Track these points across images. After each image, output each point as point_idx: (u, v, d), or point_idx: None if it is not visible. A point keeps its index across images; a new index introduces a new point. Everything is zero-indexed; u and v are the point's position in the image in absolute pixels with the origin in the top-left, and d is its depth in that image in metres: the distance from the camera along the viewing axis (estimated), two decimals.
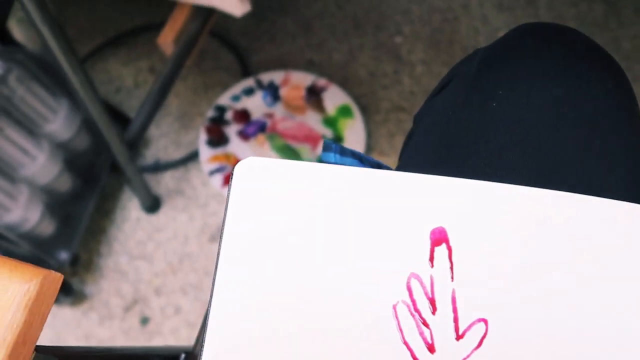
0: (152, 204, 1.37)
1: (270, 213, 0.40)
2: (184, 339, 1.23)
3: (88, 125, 1.27)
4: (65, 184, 1.22)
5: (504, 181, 0.40)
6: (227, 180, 1.36)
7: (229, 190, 0.41)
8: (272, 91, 1.49)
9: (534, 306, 0.37)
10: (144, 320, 1.25)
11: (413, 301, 0.37)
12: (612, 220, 0.39)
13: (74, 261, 1.27)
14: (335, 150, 0.52)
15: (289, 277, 0.38)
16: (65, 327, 1.27)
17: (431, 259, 0.38)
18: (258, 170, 0.41)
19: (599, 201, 0.39)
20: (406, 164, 0.58)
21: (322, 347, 0.37)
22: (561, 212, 0.39)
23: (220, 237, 0.39)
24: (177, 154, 1.46)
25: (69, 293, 1.25)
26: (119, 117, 1.42)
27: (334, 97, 1.46)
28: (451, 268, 0.38)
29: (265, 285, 0.38)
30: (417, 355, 0.36)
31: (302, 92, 1.48)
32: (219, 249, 0.39)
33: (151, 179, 1.42)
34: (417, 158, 0.56)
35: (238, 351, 0.37)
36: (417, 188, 0.40)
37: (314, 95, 1.48)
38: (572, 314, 0.37)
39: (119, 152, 1.21)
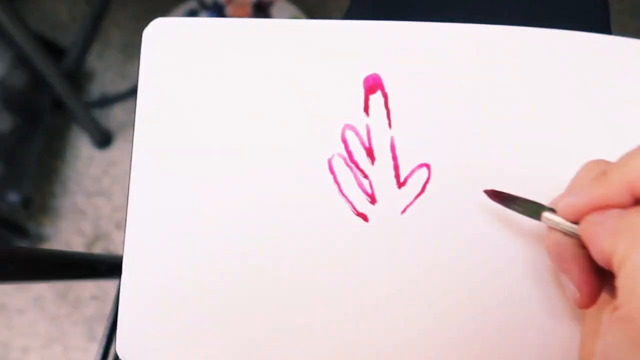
0: (103, 139, 1.31)
1: (188, 74, 0.36)
2: None
3: (22, 61, 1.19)
4: (5, 123, 1.16)
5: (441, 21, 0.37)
6: None
7: (138, 64, 0.37)
8: (217, 11, 1.42)
9: (475, 145, 0.35)
10: None
11: (349, 153, 0.35)
12: (544, 48, 0.36)
13: (27, 203, 1.22)
14: None
15: (213, 143, 0.35)
16: None
17: (366, 107, 0.35)
18: (170, 31, 0.37)
19: (533, 31, 0.37)
20: None
21: (253, 211, 0.34)
22: (499, 46, 0.36)
23: (134, 124, 0.36)
24: (124, 86, 1.39)
25: (27, 236, 1.20)
26: (56, 52, 1.34)
27: (282, 11, 1.40)
28: (388, 115, 0.35)
29: (186, 154, 0.35)
30: (358, 207, 0.34)
31: (248, 10, 1.41)
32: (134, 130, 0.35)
33: (100, 114, 1.36)
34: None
35: (163, 222, 0.34)
36: (346, 35, 0.37)
37: (261, 12, 1.41)
38: (511, 143, 0.35)
39: (59, 86, 1.14)
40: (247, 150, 0.35)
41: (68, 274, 0.48)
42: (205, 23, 0.37)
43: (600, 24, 0.47)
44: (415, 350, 0.32)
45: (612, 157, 0.26)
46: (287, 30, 0.36)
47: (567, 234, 0.27)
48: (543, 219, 0.28)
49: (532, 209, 0.29)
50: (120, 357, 0.34)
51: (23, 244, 1.20)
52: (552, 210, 0.28)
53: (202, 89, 0.36)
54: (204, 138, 0.35)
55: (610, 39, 0.36)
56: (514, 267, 0.33)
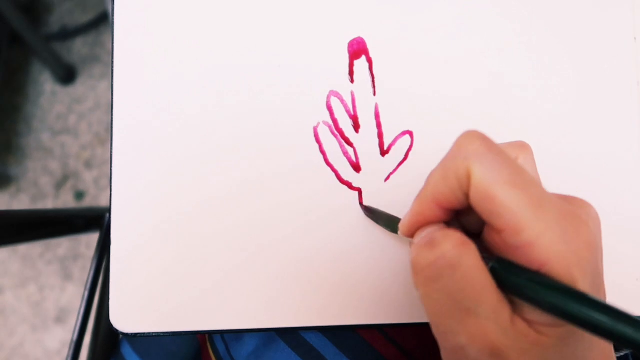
0: (67, 74, 1.26)
1: (165, 28, 0.35)
2: None
3: None
4: None
5: None
6: None
7: (112, 16, 0.35)
8: None
9: (457, 112, 0.35)
10: (79, 195, 1.21)
11: (334, 120, 0.35)
12: None
13: None
14: None
15: (195, 104, 0.35)
16: None
17: (351, 73, 0.35)
18: None
19: None
20: None
21: (239, 179, 0.34)
22: (488, 9, 0.36)
23: (112, 78, 0.35)
24: (85, 18, 1.32)
25: None
26: None
27: None
28: (373, 82, 0.35)
29: (168, 117, 0.34)
30: (342, 175, 0.35)
31: None
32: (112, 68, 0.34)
33: (61, 48, 1.30)
34: None
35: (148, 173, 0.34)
36: None
37: None
38: (496, 111, 0.35)
39: (14, 17, 1.08)
40: (231, 116, 0.34)
41: (45, 232, 0.47)
42: None
43: None
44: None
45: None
46: None
47: None
48: (400, 233, 0.28)
49: (393, 225, 0.30)
50: (114, 325, 0.35)
51: None
52: None
53: (185, 38, 0.35)
54: (186, 96, 0.34)
55: None
56: None
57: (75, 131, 1.25)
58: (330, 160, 0.35)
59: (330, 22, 0.35)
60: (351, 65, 0.35)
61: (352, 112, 0.35)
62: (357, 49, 0.35)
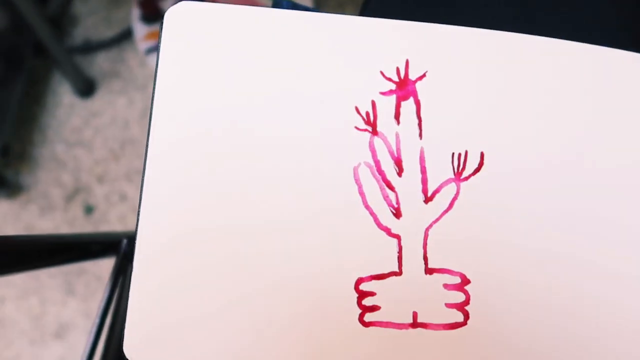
0: (86, 88, 1.26)
1: (210, 63, 0.34)
2: (132, 226, 1.19)
3: (3, 2, 1.13)
4: None
5: (482, 27, 0.35)
6: None
7: (159, 42, 0.34)
8: None
9: (506, 164, 0.34)
10: (88, 209, 1.20)
11: (376, 162, 0.33)
12: (585, 64, 0.35)
13: (5, 151, 1.17)
14: (286, 6, 0.46)
15: (234, 137, 0.33)
16: (3, 220, 1.20)
17: (397, 115, 0.34)
18: (193, 15, 0.34)
19: (572, 45, 0.35)
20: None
21: (274, 217, 0.33)
22: (539, 58, 0.35)
23: (152, 98, 0.34)
24: (108, 33, 1.33)
25: (3, 185, 1.17)
26: None
27: None
28: (419, 124, 0.34)
29: (207, 146, 0.33)
30: (382, 220, 0.33)
31: None
32: (151, 113, 0.33)
33: (82, 61, 1.30)
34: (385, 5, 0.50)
35: (177, 204, 0.33)
36: (379, 34, 0.35)
37: None
38: (546, 163, 0.34)
39: (41, 28, 1.08)
40: (269, 151, 0.33)
41: (61, 258, 0.46)
42: (229, 10, 0.34)
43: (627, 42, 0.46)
44: None
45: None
46: (317, 25, 0.34)
47: None
48: None
49: None
50: (127, 355, 0.33)
51: (1, 193, 1.16)
52: None
53: (227, 82, 0.34)
54: (224, 130, 0.33)
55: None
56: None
57: (90, 145, 1.24)
58: (369, 203, 0.33)
59: (379, 61, 0.34)
60: (398, 107, 0.34)
61: (396, 155, 0.33)
62: (406, 91, 0.34)
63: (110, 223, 1.19)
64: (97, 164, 1.23)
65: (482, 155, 0.33)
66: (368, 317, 0.32)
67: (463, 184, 0.33)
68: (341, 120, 0.34)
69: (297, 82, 0.34)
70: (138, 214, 0.33)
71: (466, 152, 0.33)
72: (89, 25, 1.34)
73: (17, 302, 1.15)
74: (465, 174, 0.33)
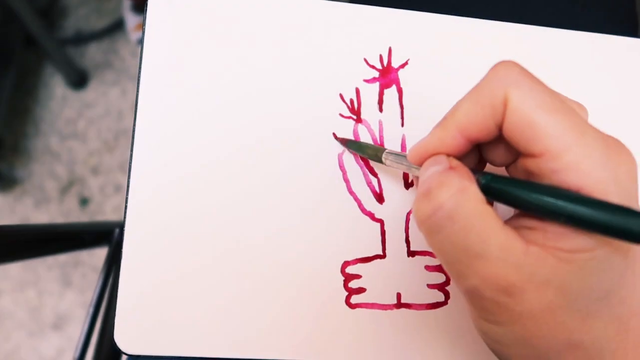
0: (78, 79, 1.26)
1: (194, 48, 0.34)
2: None
3: None
4: None
5: (468, 14, 0.36)
6: None
7: (143, 28, 0.34)
8: None
9: None
10: (84, 201, 1.20)
11: None
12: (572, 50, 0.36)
13: None
14: None
15: (220, 124, 0.34)
16: None
17: (380, 102, 0.34)
18: (176, 1, 0.34)
19: (559, 32, 0.36)
20: None
21: (259, 204, 0.33)
22: (523, 46, 0.35)
23: (137, 88, 0.34)
24: (100, 24, 1.33)
25: None
26: None
27: None
28: (401, 113, 0.34)
29: (193, 132, 0.34)
30: (366, 206, 0.34)
31: None
32: (137, 98, 0.34)
33: (74, 52, 1.30)
34: None
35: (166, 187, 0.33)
36: (365, 21, 0.35)
37: None
38: None
39: (31, 20, 1.08)
40: (255, 137, 0.34)
41: (54, 248, 0.46)
42: None
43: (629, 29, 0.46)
44: None
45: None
46: (301, 11, 0.35)
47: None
48: (384, 160, 0.29)
49: (375, 153, 0.30)
50: (118, 345, 0.34)
51: None
52: (395, 154, 0.28)
53: (208, 64, 0.34)
54: (210, 119, 0.34)
55: None
56: None
57: (84, 137, 1.24)
58: (354, 189, 0.34)
59: (363, 48, 0.35)
60: (381, 95, 0.34)
61: (379, 142, 0.34)
62: (389, 78, 0.34)
63: (105, 214, 1.20)
64: (91, 156, 1.23)
65: None
66: (354, 299, 0.33)
67: None
68: (326, 107, 0.34)
69: (282, 69, 0.34)
70: (126, 202, 0.33)
71: None
72: (80, 16, 1.33)
73: (15, 295, 1.16)
74: None
